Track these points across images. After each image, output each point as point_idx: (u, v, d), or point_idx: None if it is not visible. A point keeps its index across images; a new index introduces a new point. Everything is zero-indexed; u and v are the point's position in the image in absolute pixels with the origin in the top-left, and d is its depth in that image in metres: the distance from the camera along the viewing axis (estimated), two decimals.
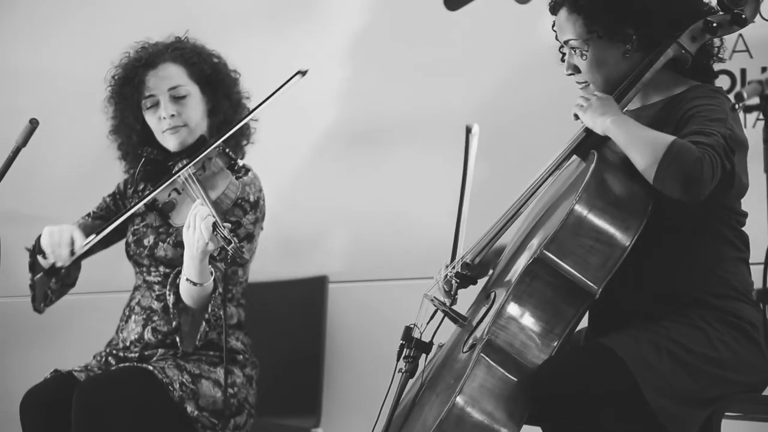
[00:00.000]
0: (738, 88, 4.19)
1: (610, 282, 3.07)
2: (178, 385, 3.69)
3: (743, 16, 3.18)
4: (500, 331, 3.09)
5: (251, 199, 3.85)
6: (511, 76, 4.55)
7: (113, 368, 3.81)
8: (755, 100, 2.62)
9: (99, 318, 4.42)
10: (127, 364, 3.80)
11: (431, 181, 4.58)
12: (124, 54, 3.97)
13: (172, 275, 3.78)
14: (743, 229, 3.24)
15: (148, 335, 3.84)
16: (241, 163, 3.89)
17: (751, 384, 3.17)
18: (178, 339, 3.77)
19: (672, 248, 3.16)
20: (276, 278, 4.73)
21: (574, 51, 3.25)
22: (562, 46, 3.31)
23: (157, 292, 3.87)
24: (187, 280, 3.64)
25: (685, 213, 3.12)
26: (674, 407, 3.03)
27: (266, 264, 4.30)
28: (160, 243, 3.88)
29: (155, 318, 3.85)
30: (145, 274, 3.92)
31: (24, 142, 3.64)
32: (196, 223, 3.52)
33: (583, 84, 3.28)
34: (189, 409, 3.70)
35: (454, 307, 3.33)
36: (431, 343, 3.28)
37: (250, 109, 3.84)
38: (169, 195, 3.75)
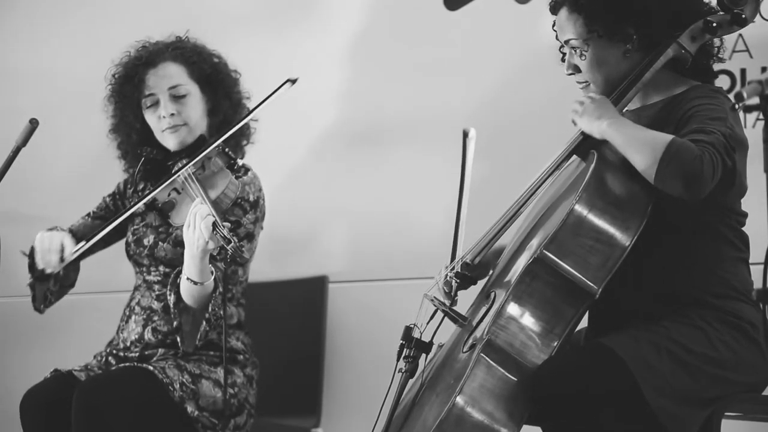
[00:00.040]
0: (738, 88, 4.18)
1: (610, 282, 3.07)
2: (178, 385, 3.69)
3: (743, 16, 3.18)
4: (500, 331, 3.09)
5: (251, 198, 3.85)
6: (511, 76, 4.55)
7: (113, 368, 3.81)
8: (755, 100, 2.62)
9: (99, 318, 4.42)
10: (127, 364, 3.79)
11: (431, 181, 4.58)
12: (125, 53, 3.97)
13: (172, 275, 3.78)
14: (743, 229, 3.24)
15: (148, 335, 3.84)
16: (240, 162, 3.89)
17: (751, 384, 3.17)
18: (179, 339, 3.77)
19: (672, 248, 3.16)
20: (276, 278, 4.73)
21: (575, 51, 3.25)
22: (562, 46, 3.31)
23: (157, 292, 3.87)
24: (188, 279, 3.64)
25: (685, 213, 3.12)
26: (674, 407, 3.03)
27: (266, 264, 4.30)
28: (160, 243, 3.88)
29: (155, 318, 3.85)
30: (145, 274, 3.92)
31: (24, 142, 3.64)
32: (196, 222, 3.52)
33: (584, 84, 3.28)
34: (189, 409, 3.70)
35: (454, 307, 3.33)
36: (431, 343, 3.28)
37: (242, 116, 3.83)
38: (169, 194, 3.76)
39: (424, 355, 3.26)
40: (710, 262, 3.17)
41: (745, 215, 3.23)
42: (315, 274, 4.72)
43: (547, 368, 3.06)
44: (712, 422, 3.15)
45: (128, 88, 3.92)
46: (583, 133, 3.18)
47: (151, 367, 3.69)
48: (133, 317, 3.89)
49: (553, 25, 3.32)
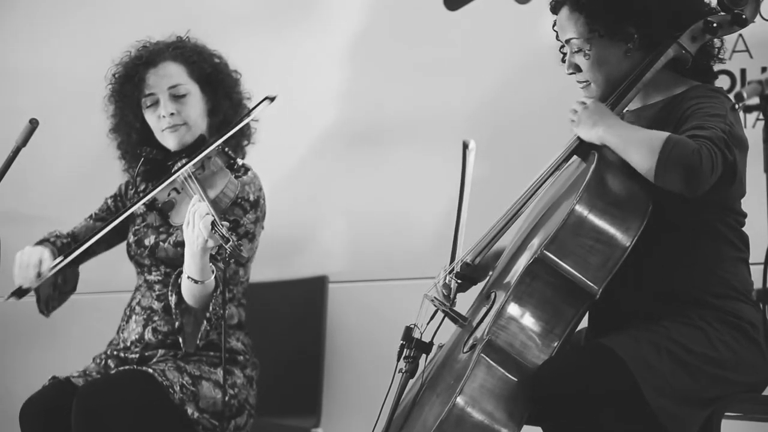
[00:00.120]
0: (738, 88, 4.19)
1: (610, 282, 3.07)
2: (178, 388, 3.69)
3: (743, 16, 3.18)
4: (500, 332, 3.09)
5: (251, 198, 3.85)
6: (511, 76, 4.55)
7: (113, 371, 3.81)
8: (755, 100, 2.62)
9: (99, 318, 4.42)
10: (126, 366, 3.79)
11: (431, 181, 4.58)
12: (125, 52, 3.97)
13: (173, 275, 3.78)
14: (743, 229, 3.24)
15: (148, 335, 3.84)
16: (240, 162, 3.89)
17: (751, 384, 3.17)
18: (180, 339, 3.76)
19: (672, 248, 3.16)
20: (276, 278, 4.73)
21: (576, 50, 3.25)
22: (562, 46, 3.31)
23: (158, 292, 3.87)
24: (189, 278, 3.64)
25: (685, 211, 3.13)
26: (674, 407, 3.03)
27: (266, 264, 4.29)
28: (160, 243, 3.88)
29: (156, 318, 3.85)
30: (146, 274, 3.92)
31: (24, 142, 3.64)
32: (195, 221, 3.52)
33: (584, 83, 3.28)
34: (189, 411, 3.69)
35: (454, 308, 3.33)
36: (431, 343, 3.28)
37: (222, 135, 3.79)
38: (169, 194, 3.76)
39: (424, 355, 3.26)
40: (710, 262, 3.17)
41: (744, 215, 3.23)
42: (315, 274, 4.72)
43: (547, 368, 3.06)
44: (712, 422, 3.15)
45: (128, 88, 3.92)
46: (579, 139, 3.19)
47: (150, 370, 3.69)
48: (133, 317, 3.90)
49: (554, 25, 3.32)
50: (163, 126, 3.87)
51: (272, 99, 3.74)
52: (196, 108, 3.90)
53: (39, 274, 3.73)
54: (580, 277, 3.06)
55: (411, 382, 3.25)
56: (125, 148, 4.00)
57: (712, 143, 2.96)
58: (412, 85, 4.67)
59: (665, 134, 2.98)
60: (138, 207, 3.82)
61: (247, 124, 3.98)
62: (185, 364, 3.76)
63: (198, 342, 3.74)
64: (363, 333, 4.67)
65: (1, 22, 5.19)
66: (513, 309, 3.10)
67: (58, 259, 3.74)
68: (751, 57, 4.25)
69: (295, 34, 4.83)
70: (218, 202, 3.64)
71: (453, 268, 3.36)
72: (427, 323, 3.31)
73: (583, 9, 3.22)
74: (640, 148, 3.00)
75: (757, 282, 2.84)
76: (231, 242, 3.38)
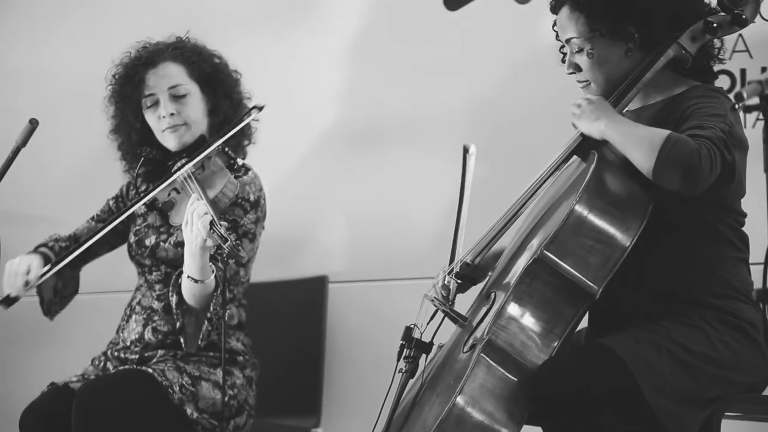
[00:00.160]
0: (738, 88, 4.19)
1: (610, 282, 3.07)
2: (177, 388, 3.69)
3: (743, 16, 3.18)
4: (500, 332, 3.09)
5: (251, 198, 3.85)
6: (511, 76, 4.55)
7: (112, 371, 3.81)
8: (755, 100, 2.62)
9: (99, 318, 4.42)
10: (126, 366, 3.79)
11: (431, 181, 4.58)
12: (125, 53, 3.97)
13: (174, 275, 3.79)
14: (743, 229, 3.24)
15: (148, 335, 3.84)
16: (240, 162, 3.89)
17: (751, 384, 3.17)
18: (182, 340, 3.76)
19: (672, 247, 3.16)
20: (276, 278, 4.73)
21: (576, 49, 3.24)
22: (562, 46, 3.31)
23: (158, 292, 3.88)
24: (189, 277, 3.64)
25: (685, 211, 3.13)
26: (674, 407, 3.03)
27: (266, 264, 4.30)
28: (161, 243, 3.88)
29: (156, 318, 3.85)
30: (147, 274, 3.92)
31: (24, 142, 3.64)
32: (193, 220, 3.53)
33: (584, 83, 3.28)
34: (189, 411, 3.69)
35: (454, 308, 3.33)
36: (431, 343, 3.28)
37: (218, 138, 3.79)
38: (169, 194, 3.76)
39: (424, 355, 3.26)
40: (710, 262, 3.17)
41: (744, 215, 3.23)
42: (315, 274, 4.72)
43: (547, 368, 3.06)
44: (712, 422, 3.15)
45: (128, 89, 3.92)
46: (583, 134, 3.19)
47: (150, 370, 3.69)
48: (133, 317, 3.90)
49: (554, 25, 3.32)
50: (164, 126, 3.87)
51: (260, 108, 3.76)
52: (196, 108, 3.90)
53: (27, 283, 3.76)
54: (580, 277, 3.06)
55: (411, 382, 3.25)
56: (126, 149, 4.00)
57: (712, 143, 2.96)
58: (412, 85, 4.67)
59: (666, 132, 2.98)
60: (138, 207, 3.82)
61: (248, 124, 3.98)
62: (185, 365, 3.76)
63: (200, 342, 3.75)
64: (363, 333, 4.67)
65: (1, 22, 5.19)
66: (513, 309, 3.10)
67: (46, 268, 3.77)
68: (751, 57, 4.25)
69: (295, 34, 4.83)
70: (217, 201, 3.64)
71: (452, 268, 3.36)
72: (427, 323, 3.31)
73: (584, 8, 3.22)
74: (640, 145, 3.00)
75: (757, 282, 2.84)
76: (229, 242, 3.38)
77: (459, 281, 3.36)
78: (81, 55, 5.00)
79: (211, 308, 3.69)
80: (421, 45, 4.67)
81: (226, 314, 3.71)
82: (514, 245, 3.30)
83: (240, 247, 3.44)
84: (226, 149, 3.80)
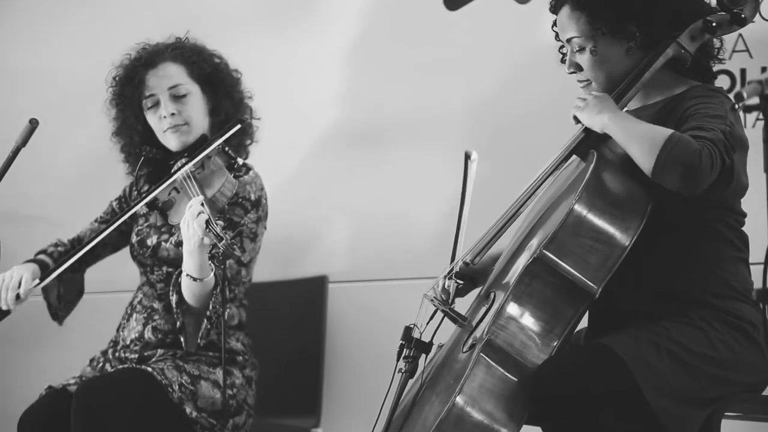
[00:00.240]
0: (738, 88, 4.19)
1: (609, 282, 3.07)
2: (177, 387, 3.69)
3: (743, 15, 3.18)
4: (500, 331, 3.09)
5: (252, 197, 3.85)
6: (511, 76, 4.55)
7: (112, 370, 3.81)
8: (755, 100, 2.62)
9: (99, 318, 4.42)
10: (126, 365, 3.80)
11: (431, 181, 4.58)
12: (125, 55, 3.97)
13: (174, 275, 3.79)
14: (743, 229, 3.24)
15: (148, 334, 3.84)
16: (241, 162, 3.88)
17: (751, 384, 3.17)
18: (182, 339, 3.77)
19: (671, 247, 3.16)
20: (276, 278, 4.73)
21: (577, 49, 3.24)
22: (562, 46, 3.31)
23: (159, 291, 3.88)
24: (188, 275, 3.65)
25: (685, 212, 3.13)
26: (674, 407, 3.03)
27: (266, 264, 4.30)
28: (162, 243, 3.88)
29: (156, 317, 3.86)
30: (148, 274, 3.92)
31: (24, 142, 3.64)
32: (190, 219, 3.53)
33: (585, 82, 3.28)
34: (188, 410, 3.70)
35: (453, 307, 3.32)
36: (431, 343, 3.28)
37: (206, 147, 3.80)
38: (169, 194, 3.76)
39: (423, 355, 3.26)
40: (710, 262, 3.17)
41: (744, 215, 3.23)
42: (315, 274, 4.72)
43: (547, 368, 3.05)
44: (712, 422, 3.14)
45: (129, 90, 3.92)
46: (585, 129, 3.19)
47: (149, 369, 3.69)
48: (134, 315, 3.90)
49: (554, 25, 3.32)
50: (165, 126, 3.87)
51: (242, 121, 3.80)
52: (197, 108, 3.90)
53: (18, 296, 3.78)
54: (580, 276, 3.06)
55: (411, 381, 3.25)
56: (129, 151, 4.00)
57: (713, 144, 2.96)
58: (412, 85, 4.67)
59: (668, 131, 2.98)
60: (140, 207, 3.82)
61: (249, 123, 3.99)
62: (184, 364, 3.76)
63: (199, 341, 3.75)
64: (363, 333, 4.67)
65: (1, 22, 5.19)
66: (512, 309, 3.10)
67: (36, 281, 3.80)
68: (751, 57, 4.25)
69: (295, 34, 4.83)
70: (215, 201, 3.65)
71: (452, 268, 3.36)
72: (427, 323, 3.31)
73: (585, 8, 3.21)
74: (642, 142, 3.00)
75: (757, 282, 2.84)
76: (224, 240, 3.38)
77: (459, 282, 3.35)
78: (81, 55, 5.00)
79: (211, 307, 3.69)
80: (421, 45, 4.67)
81: (226, 314, 3.72)
82: (514, 245, 3.30)
83: (235, 246, 3.45)
84: (227, 149, 3.80)
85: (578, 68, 3.27)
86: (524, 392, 3.04)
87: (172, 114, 3.86)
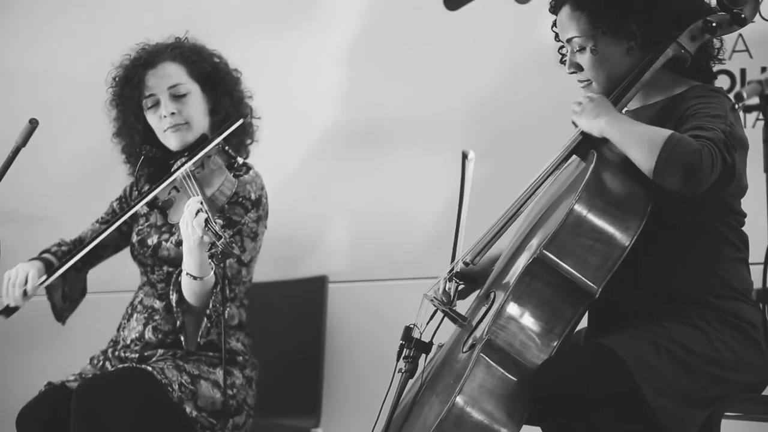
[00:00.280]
0: (738, 88, 4.18)
1: (609, 282, 3.07)
2: (177, 386, 3.69)
3: (742, 15, 3.17)
4: (500, 331, 3.09)
5: (252, 197, 3.85)
6: (511, 76, 4.55)
7: (112, 369, 3.81)
8: (755, 100, 2.62)
9: (99, 318, 4.42)
10: (126, 365, 3.80)
11: (431, 181, 4.58)
12: (125, 55, 3.97)
13: (174, 274, 3.79)
14: (743, 229, 3.24)
15: (148, 334, 3.84)
16: (241, 161, 3.88)
17: (751, 384, 3.17)
18: (182, 338, 3.77)
19: (671, 247, 3.16)
20: (276, 278, 4.73)
21: (578, 48, 3.24)
22: (562, 46, 3.31)
23: (160, 291, 3.88)
24: (188, 274, 3.65)
25: (684, 211, 3.12)
26: (674, 407, 3.03)
27: (266, 264, 4.30)
28: (163, 242, 3.88)
29: (156, 317, 3.86)
30: (149, 274, 3.92)
31: (24, 142, 3.64)
32: (188, 218, 3.53)
33: (585, 82, 3.27)
34: (188, 409, 3.70)
35: (454, 307, 3.32)
36: (431, 343, 3.28)
37: (206, 145, 3.80)
38: (169, 193, 3.76)
39: (423, 355, 3.26)
40: (710, 262, 3.17)
41: (744, 215, 3.23)
42: (315, 274, 4.72)
43: (547, 368, 3.05)
44: (712, 422, 3.14)
45: (128, 90, 3.92)
46: (583, 132, 3.18)
47: (149, 368, 3.70)
48: (134, 315, 3.90)
49: (553, 25, 3.32)
50: (165, 126, 3.87)
51: (244, 116, 3.84)
52: (197, 107, 3.90)
53: (25, 293, 3.78)
54: (580, 276, 3.06)
55: (411, 381, 3.25)
56: (129, 151, 4.00)
57: (714, 144, 2.95)
58: (412, 85, 4.67)
59: (667, 132, 2.98)
60: (141, 207, 3.82)
61: (250, 123, 3.99)
62: (184, 363, 3.76)
63: (199, 340, 3.75)
64: (363, 333, 4.67)
65: (1, 22, 5.19)
66: (512, 309, 3.10)
67: (42, 278, 3.80)
68: (751, 57, 4.25)
69: (295, 34, 4.83)
70: (214, 200, 3.65)
71: (452, 269, 3.36)
72: (427, 323, 3.31)
73: (585, 7, 3.21)
74: (641, 144, 3.00)
75: (757, 282, 2.84)
76: (223, 239, 3.39)
77: (460, 283, 3.35)
78: (81, 55, 5.00)
79: (211, 305, 3.69)
80: (421, 45, 4.67)
81: (226, 313, 3.72)
82: (514, 245, 3.30)
83: (234, 245, 3.45)
84: (227, 148, 3.80)
85: (579, 68, 3.27)
86: (524, 392, 3.04)
87: (172, 113, 3.86)
